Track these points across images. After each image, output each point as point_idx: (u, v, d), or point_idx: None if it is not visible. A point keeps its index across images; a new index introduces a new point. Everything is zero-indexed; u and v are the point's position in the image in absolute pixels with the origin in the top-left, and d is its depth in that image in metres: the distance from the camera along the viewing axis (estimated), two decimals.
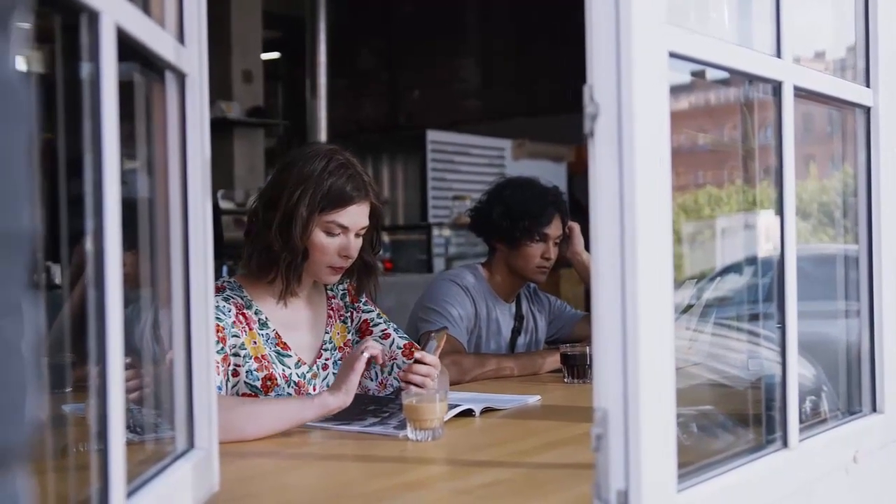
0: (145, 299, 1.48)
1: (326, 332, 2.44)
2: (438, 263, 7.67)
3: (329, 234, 2.27)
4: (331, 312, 2.47)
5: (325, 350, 2.42)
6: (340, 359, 2.43)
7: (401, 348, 2.44)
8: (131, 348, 1.16)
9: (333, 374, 2.40)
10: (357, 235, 2.31)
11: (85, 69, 1.06)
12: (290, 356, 2.33)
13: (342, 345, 2.46)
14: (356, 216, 2.29)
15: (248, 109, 8.09)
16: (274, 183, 2.31)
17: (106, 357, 1.06)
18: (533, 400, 2.46)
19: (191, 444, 1.45)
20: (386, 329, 2.48)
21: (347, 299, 2.51)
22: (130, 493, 1.15)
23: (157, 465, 1.32)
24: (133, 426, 1.40)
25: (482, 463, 1.81)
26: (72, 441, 1.42)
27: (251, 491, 1.65)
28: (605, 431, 1.22)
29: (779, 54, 1.59)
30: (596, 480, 1.24)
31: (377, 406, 2.25)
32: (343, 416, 2.11)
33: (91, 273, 1.06)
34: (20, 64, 0.62)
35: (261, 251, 2.29)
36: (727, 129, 2.08)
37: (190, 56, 1.43)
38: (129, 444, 1.13)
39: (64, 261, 1.23)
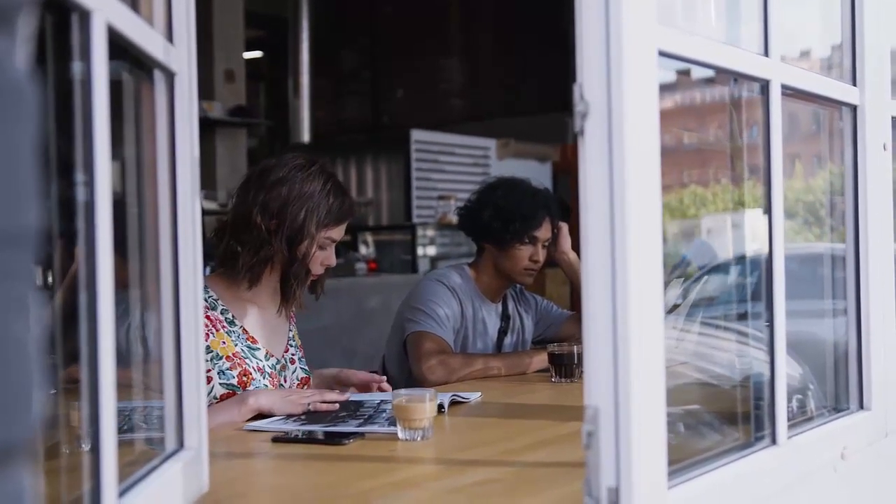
0: (133, 300, 1.47)
1: (290, 330, 2.57)
2: (423, 264, 7.66)
3: (321, 248, 2.41)
4: (291, 314, 2.59)
5: (291, 345, 2.55)
6: (301, 356, 2.57)
7: (298, 380, 2.56)
8: (119, 349, 1.16)
9: (301, 368, 2.55)
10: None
11: (75, 68, 1.05)
12: (259, 349, 2.42)
13: (300, 344, 2.61)
14: (343, 230, 2.48)
15: (231, 109, 8.06)
16: (270, 195, 2.36)
17: (97, 358, 1.05)
18: (475, 397, 2.47)
19: (180, 445, 1.44)
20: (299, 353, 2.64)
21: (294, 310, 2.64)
22: (121, 494, 1.14)
23: (148, 466, 1.32)
24: (121, 426, 1.40)
25: (472, 462, 1.81)
26: (59, 442, 1.42)
27: (240, 491, 1.65)
28: (595, 429, 1.23)
29: (766, 53, 1.59)
30: (587, 478, 1.24)
31: (355, 408, 2.25)
32: (327, 419, 2.11)
33: (81, 274, 1.06)
34: (25, 63, 0.62)
35: (263, 262, 2.37)
36: (712, 128, 2.08)
37: (179, 55, 1.42)
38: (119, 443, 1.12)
39: (55, 263, 1.22)
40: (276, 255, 2.37)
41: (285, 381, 2.47)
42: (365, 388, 2.53)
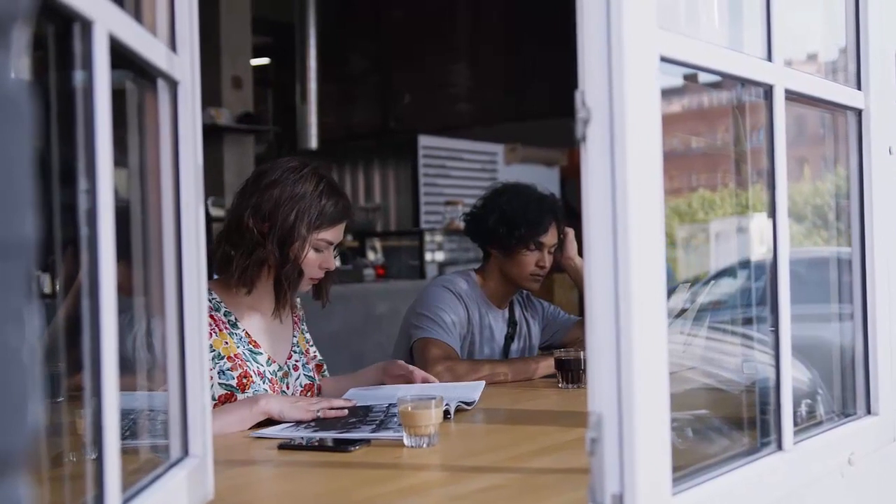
0: (138, 308, 1.47)
1: (294, 336, 2.57)
2: (431, 269, 7.66)
3: (316, 250, 2.41)
4: (296, 319, 2.60)
5: (295, 352, 2.55)
6: (306, 363, 2.56)
7: (301, 387, 2.56)
8: (124, 357, 1.16)
9: (305, 374, 2.54)
10: (335, 249, 2.48)
11: (78, 77, 1.05)
12: (261, 353, 2.43)
13: (306, 350, 2.60)
14: (340, 233, 2.46)
15: (238, 116, 8.06)
16: (262, 197, 2.38)
17: (100, 366, 1.05)
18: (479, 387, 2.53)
19: (185, 452, 1.44)
20: (315, 352, 2.67)
21: (301, 312, 2.66)
22: (125, 502, 1.14)
23: (152, 474, 1.32)
24: (125, 432, 1.40)
25: (477, 468, 1.80)
26: (65, 450, 1.42)
27: (245, 499, 1.65)
28: (599, 435, 1.23)
29: (770, 57, 1.59)
30: (591, 484, 1.24)
31: (364, 414, 2.24)
32: (337, 426, 2.11)
33: (85, 282, 1.06)
34: (21, 73, 0.62)
35: (256, 264, 2.37)
36: (720, 133, 2.08)
37: (182, 63, 1.43)
38: (123, 451, 1.12)
39: (58, 269, 1.23)
40: (269, 258, 2.37)
41: (287, 388, 2.47)
42: (406, 380, 2.56)
